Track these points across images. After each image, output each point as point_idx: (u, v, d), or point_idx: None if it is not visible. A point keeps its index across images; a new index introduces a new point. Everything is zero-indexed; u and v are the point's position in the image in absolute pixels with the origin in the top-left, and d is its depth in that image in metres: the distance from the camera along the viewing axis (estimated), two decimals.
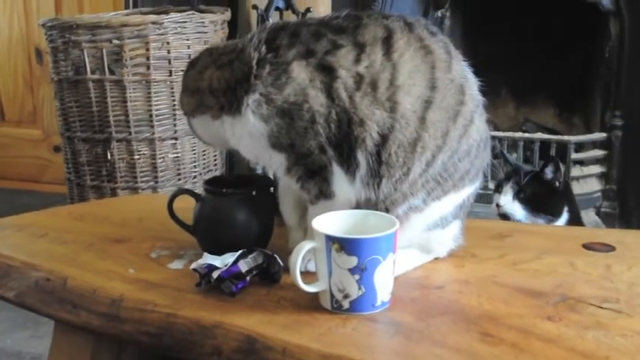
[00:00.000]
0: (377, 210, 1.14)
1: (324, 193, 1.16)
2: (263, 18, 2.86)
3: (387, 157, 1.12)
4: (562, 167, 2.04)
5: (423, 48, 1.15)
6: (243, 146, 1.19)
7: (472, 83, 1.19)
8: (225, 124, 1.19)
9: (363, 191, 1.15)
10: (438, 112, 1.13)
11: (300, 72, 1.12)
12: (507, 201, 2.06)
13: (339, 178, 1.15)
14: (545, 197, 2.04)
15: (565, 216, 2.04)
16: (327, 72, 1.12)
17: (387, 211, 1.15)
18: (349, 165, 1.14)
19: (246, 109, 1.14)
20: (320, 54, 1.13)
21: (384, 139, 1.12)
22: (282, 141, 1.14)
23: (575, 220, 2.05)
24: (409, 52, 1.13)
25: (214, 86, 1.19)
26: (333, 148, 1.13)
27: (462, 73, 1.17)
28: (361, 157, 1.13)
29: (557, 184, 2.02)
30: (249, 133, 1.16)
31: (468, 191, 1.20)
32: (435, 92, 1.13)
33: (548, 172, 2.02)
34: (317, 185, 1.16)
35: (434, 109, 1.13)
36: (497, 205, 2.08)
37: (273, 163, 1.18)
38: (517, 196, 2.05)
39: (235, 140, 1.19)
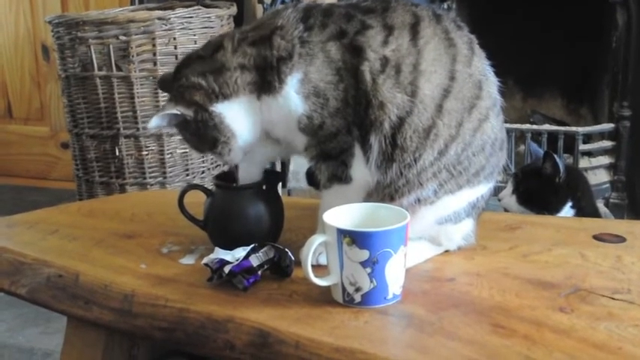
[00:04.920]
0: (383, 197, 1.15)
1: (337, 177, 1.17)
2: None
3: (402, 140, 1.13)
4: (560, 162, 1.99)
5: (448, 40, 1.16)
6: (278, 128, 1.19)
7: (491, 82, 1.20)
8: (264, 105, 1.17)
9: (376, 175, 1.15)
10: (454, 102, 1.14)
11: (336, 52, 1.13)
12: (505, 194, 2.05)
13: (358, 161, 1.15)
14: (542, 192, 2.00)
15: (569, 212, 1.99)
16: (357, 53, 1.13)
17: (392, 199, 1.15)
18: (364, 149, 1.15)
19: (288, 88, 1.14)
20: (351, 34, 1.14)
21: (401, 122, 1.12)
22: (314, 121, 1.14)
23: (585, 215, 2.00)
24: (434, 42, 1.15)
25: (257, 62, 1.16)
26: (357, 129, 1.14)
27: (482, 71, 1.18)
28: (374, 141, 1.14)
29: (558, 179, 1.98)
30: (287, 113, 1.15)
31: (482, 189, 1.20)
32: (454, 82, 1.14)
33: (547, 167, 1.98)
34: (330, 168, 1.16)
35: (451, 98, 1.14)
36: (499, 199, 2.07)
37: (295, 140, 1.19)
38: (516, 190, 2.04)
39: (270, 124, 1.18)
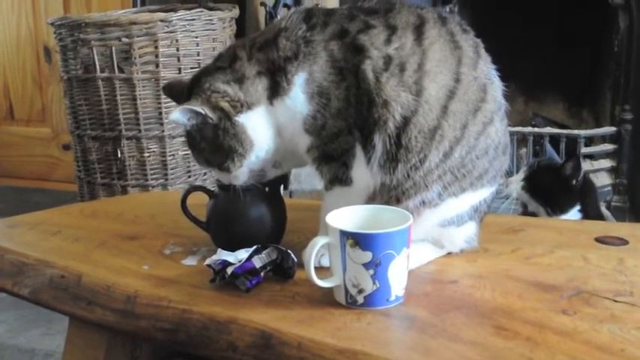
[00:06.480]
0: (389, 199, 1.15)
1: (339, 179, 1.17)
2: (271, 15, 2.86)
3: (407, 140, 1.13)
4: (582, 167, 2.02)
5: (453, 42, 1.16)
6: (286, 132, 1.18)
7: (496, 86, 1.20)
8: (275, 109, 1.17)
9: (379, 176, 1.15)
10: (459, 104, 1.14)
11: (338, 51, 1.14)
12: (514, 180, 2.07)
13: (359, 162, 1.16)
14: (555, 189, 2.03)
15: (576, 215, 2.01)
16: (358, 52, 1.13)
17: (398, 201, 1.15)
18: (367, 149, 1.15)
19: (296, 88, 1.14)
20: (353, 33, 1.14)
21: (406, 121, 1.12)
22: (317, 122, 1.15)
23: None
24: (439, 43, 1.15)
25: (267, 66, 1.17)
26: (358, 130, 1.14)
27: (487, 74, 1.19)
28: (378, 140, 1.14)
29: (574, 182, 2.01)
30: (293, 115, 1.16)
31: (485, 193, 1.20)
32: (459, 84, 1.15)
33: (568, 168, 2.01)
34: (332, 170, 1.17)
35: (456, 100, 1.14)
36: (506, 185, 2.08)
37: (299, 143, 1.18)
38: (527, 180, 2.05)
39: (280, 128, 1.18)
